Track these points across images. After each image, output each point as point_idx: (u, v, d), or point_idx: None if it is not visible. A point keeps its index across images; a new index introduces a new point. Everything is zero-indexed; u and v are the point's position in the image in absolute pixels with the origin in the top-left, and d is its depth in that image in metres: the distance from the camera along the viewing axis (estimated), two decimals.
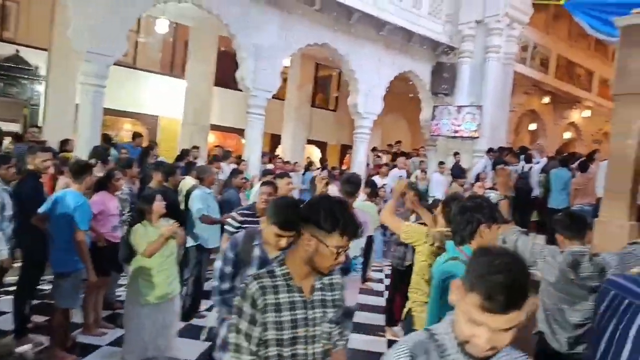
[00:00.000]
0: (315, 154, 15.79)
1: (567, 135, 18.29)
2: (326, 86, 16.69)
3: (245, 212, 3.53)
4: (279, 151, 13.79)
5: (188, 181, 5.74)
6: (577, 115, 17.34)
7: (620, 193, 4.76)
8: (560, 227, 2.76)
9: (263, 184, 3.73)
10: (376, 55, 10.65)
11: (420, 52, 11.34)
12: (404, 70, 11.26)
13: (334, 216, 1.55)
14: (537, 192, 8.69)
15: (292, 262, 1.63)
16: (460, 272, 1.17)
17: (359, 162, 10.85)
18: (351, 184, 3.74)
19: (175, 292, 3.62)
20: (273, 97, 9.33)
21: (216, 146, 9.52)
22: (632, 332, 1.79)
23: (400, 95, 12.96)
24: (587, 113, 17.12)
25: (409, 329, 2.88)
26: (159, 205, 3.49)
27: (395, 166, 10.26)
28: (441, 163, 10.09)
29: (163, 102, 12.35)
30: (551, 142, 15.73)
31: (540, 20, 13.48)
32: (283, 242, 2.19)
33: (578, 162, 8.18)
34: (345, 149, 14.15)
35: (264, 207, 3.51)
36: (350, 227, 1.56)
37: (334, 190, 5.54)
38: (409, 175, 10.14)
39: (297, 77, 14.20)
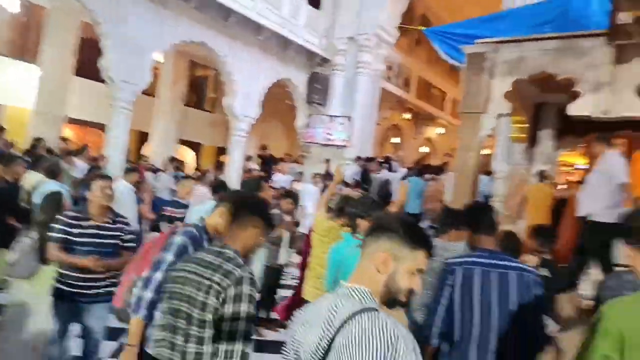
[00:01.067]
0: (188, 154, 15.22)
1: (424, 149, 20.32)
2: (202, 86, 16.21)
3: (75, 214, 2.98)
4: (145, 150, 12.97)
5: (33, 176, 5.07)
6: (432, 132, 19.37)
7: (464, 199, 5.43)
8: None
9: (99, 177, 3.13)
10: (255, 60, 10.67)
11: (297, 61, 11.66)
12: (281, 77, 11.46)
13: None
14: (395, 198, 9.45)
15: None
16: None
17: (235, 166, 10.72)
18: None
19: None
20: (141, 93, 8.80)
21: (63, 139, 8.61)
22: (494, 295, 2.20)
23: (278, 102, 13.17)
24: (441, 130, 19.25)
25: None
26: None
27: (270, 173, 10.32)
28: (316, 174, 10.29)
29: (10, 89, 10.82)
30: (409, 155, 17.29)
31: (404, 43, 14.84)
32: None
33: (432, 173, 9.13)
34: (221, 151, 13.87)
35: (106, 203, 3.04)
36: None
37: (203, 191, 5.40)
38: None
39: (170, 74, 13.56)
